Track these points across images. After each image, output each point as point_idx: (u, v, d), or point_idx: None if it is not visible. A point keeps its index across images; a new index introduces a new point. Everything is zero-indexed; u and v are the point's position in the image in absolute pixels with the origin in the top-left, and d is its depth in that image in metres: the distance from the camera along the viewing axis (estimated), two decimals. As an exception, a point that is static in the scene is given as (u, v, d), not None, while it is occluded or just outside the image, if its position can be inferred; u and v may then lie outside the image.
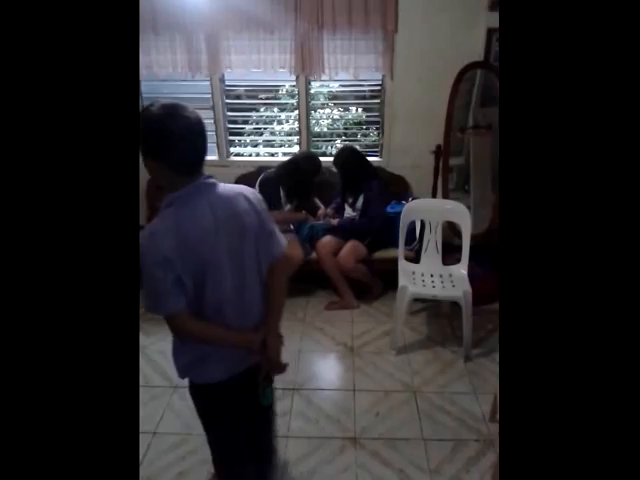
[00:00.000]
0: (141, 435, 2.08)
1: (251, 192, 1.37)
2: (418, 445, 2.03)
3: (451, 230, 3.10)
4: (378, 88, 3.39)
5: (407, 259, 2.89)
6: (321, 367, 2.61)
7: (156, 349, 2.67)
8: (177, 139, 1.13)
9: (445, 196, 3.15)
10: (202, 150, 1.21)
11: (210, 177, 1.26)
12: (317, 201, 3.25)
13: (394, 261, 2.82)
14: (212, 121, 3.44)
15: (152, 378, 2.46)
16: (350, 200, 3.12)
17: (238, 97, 3.57)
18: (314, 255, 3.03)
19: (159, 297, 1.20)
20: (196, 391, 1.45)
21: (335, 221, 3.11)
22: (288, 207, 3.08)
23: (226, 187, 1.30)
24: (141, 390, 2.38)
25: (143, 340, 2.77)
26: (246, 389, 1.43)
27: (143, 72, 3.27)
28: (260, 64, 3.20)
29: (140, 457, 1.98)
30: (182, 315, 1.23)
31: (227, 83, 3.41)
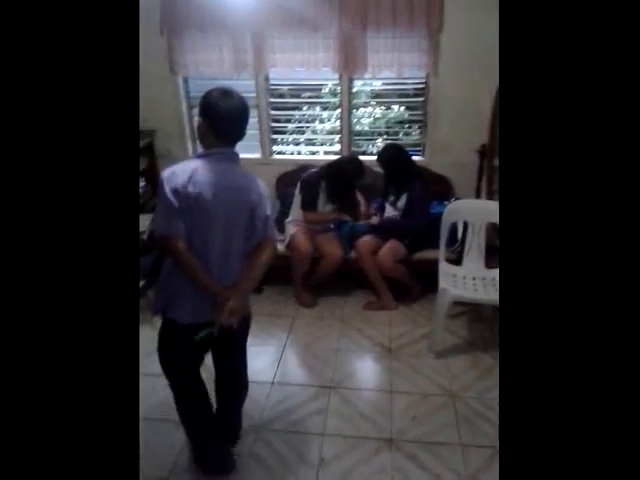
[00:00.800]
0: (180, 425, 2.14)
1: (258, 179, 1.67)
2: (455, 450, 1.99)
3: (495, 232, 3.02)
4: (422, 86, 3.34)
5: (448, 261, 2.84)
6: (358, 367, 2.61)
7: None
8: (224, 111, 1.49)
9: (489, 197, 3.07)
10: (238, 126, 1.56)
11: (236, 154, 1.61)
12: (360, 199, 3.23)
13: (434, 262, 2.78)
14: (256, 119, 3.49)
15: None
16: (392, 199, 3.09)
17: (282, 96, 3.60)
18: (353, 254, 3.02)
19: (168, 220, 1.49)
20: (164, 327, 1.69)
21: (376, 220, 3.09)
22: (329, 207, 3.08)
23: (239, 167, 1.62)
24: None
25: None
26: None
27: (190, 71, 3.36)
28: (304, 63, 3.22)
29: (180, 447, 2.03)
30: (179, 239, 1.49)
31: (271, 82, 3.44)
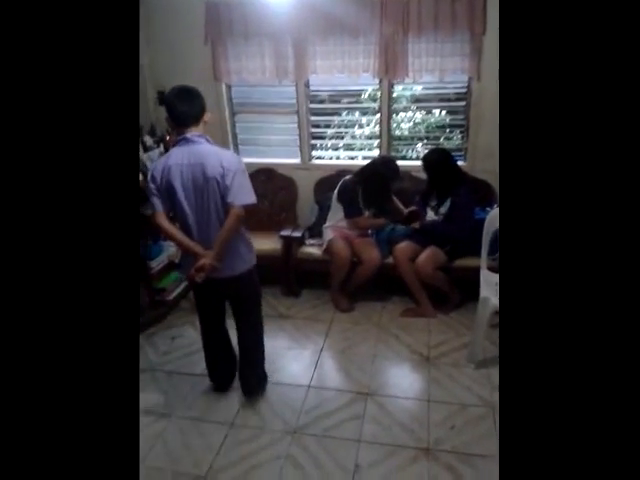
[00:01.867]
0: (219, 425, 2.19)
1: (229, 154, 2.06)
2: (494, 463, 1.94)
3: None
4: (464, 91, 3.29)
5: (490, 269, 2.77)
6: (395, 374, 2.58)
7: (235, 343, 2.78)
8: (173, 105, 1.93)
9: (533, 204, 2.98)
10: (185, 114, 1.93)
11: (197, 135, 1.96)
12: (398, 203, 3.20)
13: (476, 270, 2.72)
14: (296, 125, 3.53)
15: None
16: (434, 204, 3.05)
17: (322, 102, 3.62)
18: (391, 260, 3.00)
19: (151, 201, 1.97)
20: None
21: (417, 224, 3.06)
22: (367, 213, 3.08)
23: (207, 146, 1.97)
24: (221, 382, 2.49)
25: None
26: (208, 288, 2.09)
27: (233, 78, 3.43)
28: (344, 69, 3.23)
29: (217, 446, 2.08)
30: (159, 214, 1.98)
31: (312, 88, 3.47)
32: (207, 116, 2.01)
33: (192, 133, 1.94)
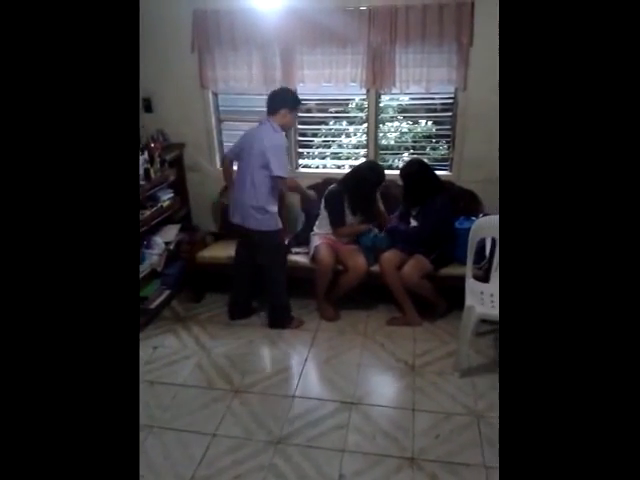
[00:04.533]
0: (201, 436, 2.15)
1: (279, 136, 2.71)
2: (479, 472, 1.93)
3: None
4: (450, 101, 3.33)
5: (475, 278, 2.79)
6: (380, 383, 2.57)
7: (221, 352, 2.76)
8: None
9: (518, 213, 3.01)
10: (267, 105, 2.75)
11: (266, 120, 2.73)
12: (382, 208, 3.22)
13: (461, 279, 2.73)
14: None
15: (215, 381, 2.53)
16: (415, 212, 3.07)
17: (309, 110, 3.64)
18: (377, 268, 3.00)
19: (228, 150, 3.00)
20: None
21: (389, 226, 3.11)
22: (353, 219, 3.08)
23: (269, 129, 2.68)
24: (203, 392, 2.46)
25: (209, 343, 2.87)
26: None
27: (220, 86, 3.43)
28: (332, 78, 3.25)
29: (199, 457, 2.04)
30: (226, 157, 3.01)
31: (299, 97, 3.48)
32: (283, 112, 2.70)
33: (267, 119, 2.70)
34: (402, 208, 3.18)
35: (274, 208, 2.75)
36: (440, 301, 3.05)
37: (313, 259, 3.05)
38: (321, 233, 3.11)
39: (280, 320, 3.01)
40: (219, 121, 3.63)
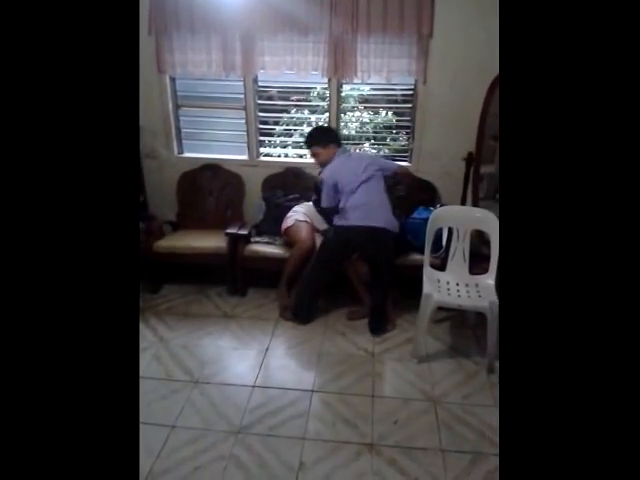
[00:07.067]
0: (160, 428, 2.11)
1: (370, 156, 3.15)
2: (436, 455, 1.99)
3: (479, 239, 3.04)
4: (410, 92, 3.36)
5: (433, 266, 2.85)
6: (340, 371, 2.60)
7: (179, 343, 2.71)
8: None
9: (475, 204, 3.10)
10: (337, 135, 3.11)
11: (346, 149, 3.11)
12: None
13: (419, 268, 2.79)
14: (244, 121, 3.47)
15: (174, 372, 2.49)
16: None
17: (270, 98, 3.59)
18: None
19: (325, 198, 2.90)
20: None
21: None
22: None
23: (356, 153, 3.21)
24: (162, 383, 2.41)
25: (167, 334, 2.82)
26: None
27: (178, 70, 3.33)
28: (293, 66, 3.22)
29: (158, 449, 2.00)
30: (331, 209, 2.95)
31: (260, 84, 3.43)
32: (316, 149, 3.01)
33: (343, 148, 3.12)
34: None
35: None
36: (365, 297, 3.02)
37: (289, 233, 3.05)
38: (303, 212, 3.13)
39: (384, 323, 2.93)
40: (177, 107, 3.53)
